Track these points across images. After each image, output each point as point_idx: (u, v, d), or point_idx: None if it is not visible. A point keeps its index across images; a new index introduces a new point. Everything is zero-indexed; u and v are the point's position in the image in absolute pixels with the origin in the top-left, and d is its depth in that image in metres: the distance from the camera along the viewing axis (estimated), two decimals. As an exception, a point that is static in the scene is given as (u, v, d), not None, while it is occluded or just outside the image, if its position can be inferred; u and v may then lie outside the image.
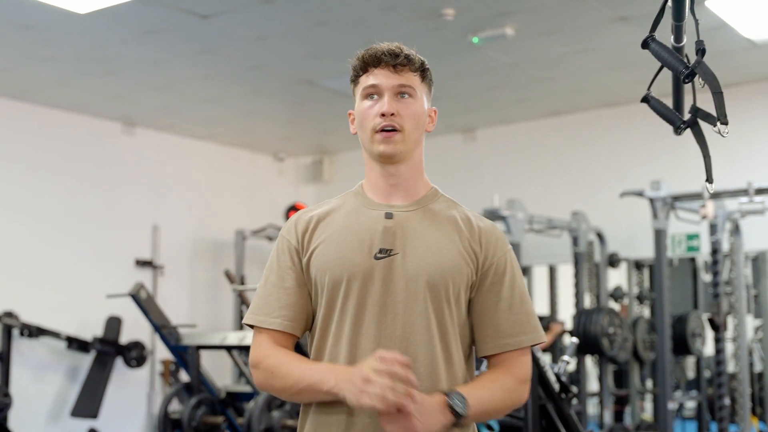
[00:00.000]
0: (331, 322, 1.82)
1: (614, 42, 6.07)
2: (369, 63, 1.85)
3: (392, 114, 1.81)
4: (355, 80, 1.90)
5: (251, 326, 1.89)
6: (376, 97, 1.84)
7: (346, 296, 1.80)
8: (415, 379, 1.67)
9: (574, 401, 3.90)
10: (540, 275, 8.64)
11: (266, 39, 5.94)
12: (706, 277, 7.68)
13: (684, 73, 1.65)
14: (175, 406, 5.82)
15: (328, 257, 1.82)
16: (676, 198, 6.13)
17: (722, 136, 1.60)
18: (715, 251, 6.11)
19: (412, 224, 1.84)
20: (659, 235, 6.11)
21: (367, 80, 1.85)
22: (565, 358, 3.88)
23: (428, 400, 1.69)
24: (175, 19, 5.54)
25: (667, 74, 1.81)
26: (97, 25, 5.64)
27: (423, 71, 1.88)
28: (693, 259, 7.85)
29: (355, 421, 1.75)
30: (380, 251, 1.80)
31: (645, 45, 1.71)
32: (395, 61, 1.83)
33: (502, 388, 1.81)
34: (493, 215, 6.35)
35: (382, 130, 1.82)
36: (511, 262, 1.88)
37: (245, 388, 6.02)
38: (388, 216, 1.84)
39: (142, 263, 8.14)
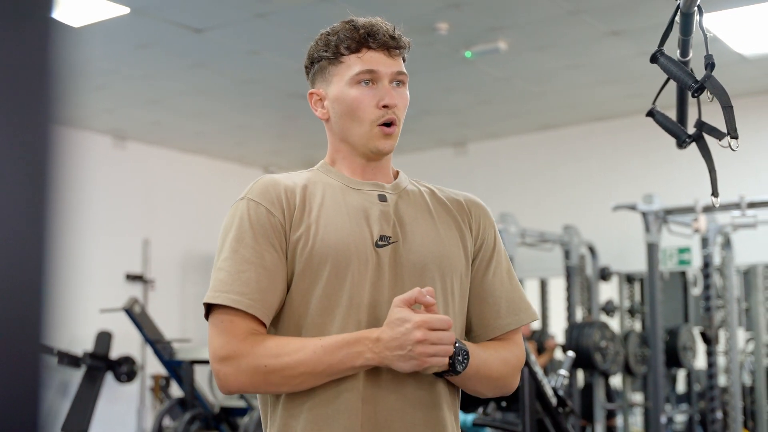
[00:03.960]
0: (332, 318, 1.52)
1: (606, 56, 6.11)
2: (363, 43, 1.57)
3: (395, 105, 1.58)
4: (334, 58, 1.59)
5: (209, 307, 1.59)
6: (369, 83, 1.57)
7: (354, 288, 1.52)
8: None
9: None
10: (531, 289, 8.63)
11: (259, 53, 5.94)
12: (695, 290, 7.70)
13: (693, 88, 1.65)
14: (167, 422, 5.79)
15: (328, 241, 1.53)
16: (669, 212, 6.15)
17: (732, 150, 1.61)
18: (706, 265, 6.12)
19: (401, 209, 1.61)
20: (652, 249, 6.12)
21: (361, 63, 1.57)
22: (562, 372, 3.87)
23: None
24: (168, 33, 5.54)
25: (666, 88, 1.81)
26: (90, 38, 5.63)
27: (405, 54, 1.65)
28: (683, 273, 7.87)
29: (377, 405, 1.50)
30: (381, 238, 1.56)
31: (654, 59, 1.71)
32: (396, 44, 1.59)
33: (503, 361, 1.62)
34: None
35: (384, 125, 1.58)
36: (498, 236, 1.72)
37: (239, 403, 5.98)
38: (382, 199, 1.60)
39: (133, 277, 8.10)
